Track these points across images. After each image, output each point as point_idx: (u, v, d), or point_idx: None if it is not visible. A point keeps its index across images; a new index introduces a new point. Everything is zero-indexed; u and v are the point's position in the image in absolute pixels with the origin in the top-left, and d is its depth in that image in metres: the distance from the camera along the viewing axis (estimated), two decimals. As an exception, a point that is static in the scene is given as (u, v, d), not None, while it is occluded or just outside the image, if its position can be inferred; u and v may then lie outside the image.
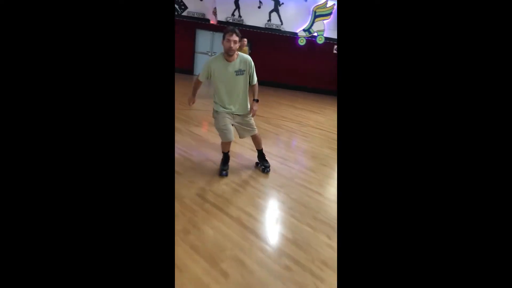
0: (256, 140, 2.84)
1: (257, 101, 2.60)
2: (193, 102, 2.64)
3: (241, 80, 2.47)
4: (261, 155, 2.93)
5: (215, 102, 2.58)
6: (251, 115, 2.62)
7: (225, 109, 2.54)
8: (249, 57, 2.49)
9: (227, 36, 2.29)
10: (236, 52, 2.42)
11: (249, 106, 2.63)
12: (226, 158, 2.79)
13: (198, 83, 2.59)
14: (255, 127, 2.74)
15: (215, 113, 2.58)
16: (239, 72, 2.43)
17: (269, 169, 2.92)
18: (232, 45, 2.29)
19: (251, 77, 2.52)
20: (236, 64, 2.42)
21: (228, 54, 2.36)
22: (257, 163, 3.04)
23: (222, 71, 2.40)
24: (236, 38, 2.29)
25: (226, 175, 2.72)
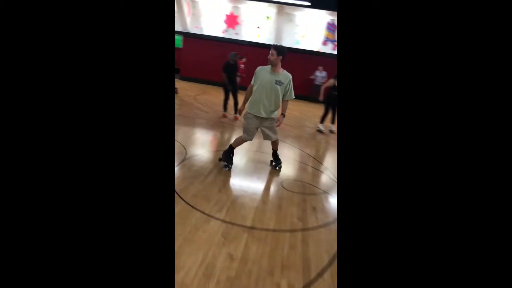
0: (275, 142, 3.39)
1: (284, 116, 3.11)
2: (243, 110, 3.22)
3: (277, 90, 2.97)
4: (275, 154, 3.53)
5: (249, 104, 3.09)
6: (276, 124, 3.14)
7: (253, 112, 3.04)
8: (290, 76, 3.02)
9: (269, 51, 2.88)
10: (282, 69, 3.00)
11: (275, 114, 3.12)
12: (231, 151, 3.26)
13: (251, 87, 3.08)
14: (277, 133, 3.28)
15: (248, 114, 3.11)
16: (278, 83, 2.94)
17: (281, 166, 3.53)
18: (269, 56, 2.87)
19: (288, 92, 3.04)
20: (278, 76, 2.96)
21: (270, 65, 2.93)
22: (271, 161, 3.62)
23: (265, 76, 2.96)
24: (273, 52, 2.85)
25: (230, 169, 3.23)
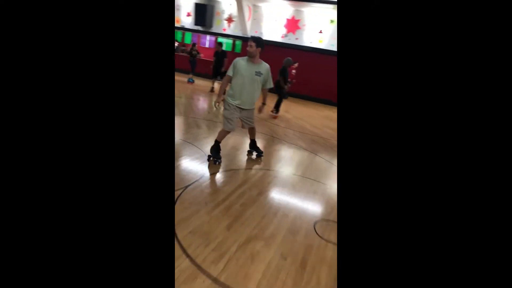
0: (252, 131, 3.50)
1: (265, 104, 3.40)
2: (220, 102, 3.17)
3: (257, 80, 3.04)
4: (253, 143, 3.61)
5: (229, 96, 3.11)
6: (256, 111, 3.37)
7: (236, 103, 3.09)
8: (268, 66, 3.12)
9: (248, 43, 2.95)
10: (260, 60, 3.07)
11: (255, 104, 3.24)
12: (218, 147, 3.27)
13: (228, 78, 3.09)
14: (254, 122, 3.41)
15: (227, 105, 3.13)
16: (258, 74, 3.02)
17: (263, 154, 3.65)
18: (248, 48, 2.94)
19: (267, 81, 3.15)
20: (258, 66, 3.02)
21: (249, 56, 2.98)
22: (249, 151, 3.73)
23: (246, 68, 2.99)
24: (252, 43, 2.92)
25: (220, 163, 3.24)
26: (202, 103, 7.13)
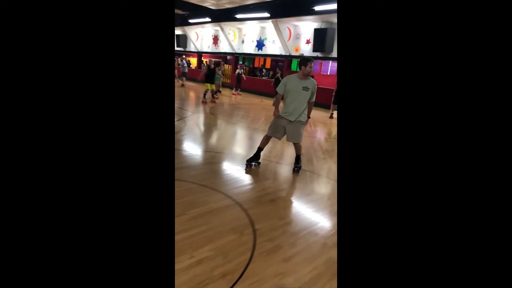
0: (296, 146, 3.58)
1: (309, 118, 3.55)
2: (278, 112, 3.51)
3: (305, 95, 3.37)
4: (297, 158, 3.68)
5: (282, 110, 3.48)
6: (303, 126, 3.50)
7: (284, 115, 3.43)
8: (315, 81, 3.45)
9: (309, 64, 3.27)
10: (307, 76, 3.40)
11: (303, 117, 3.43)
12: (259, 154, 3.63)
13: (279, 96, 3.51)
14: (301, 138, 3.51)
15: (279, 116, 3.48)
16: (305, 89, 3.36)
17: (300, 169, 3.66)
18: (308, 68, 3.29)
19: (312, 95, 3.41)
20: (305, 82, 3.36)
21: (305, 75, 3.32)
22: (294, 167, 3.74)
23: (295, 85, 3.35)
24: (312, 65, 3.32)
25: (257, 166, 3.60)
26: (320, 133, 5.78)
